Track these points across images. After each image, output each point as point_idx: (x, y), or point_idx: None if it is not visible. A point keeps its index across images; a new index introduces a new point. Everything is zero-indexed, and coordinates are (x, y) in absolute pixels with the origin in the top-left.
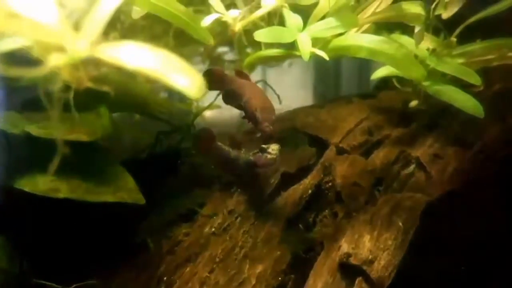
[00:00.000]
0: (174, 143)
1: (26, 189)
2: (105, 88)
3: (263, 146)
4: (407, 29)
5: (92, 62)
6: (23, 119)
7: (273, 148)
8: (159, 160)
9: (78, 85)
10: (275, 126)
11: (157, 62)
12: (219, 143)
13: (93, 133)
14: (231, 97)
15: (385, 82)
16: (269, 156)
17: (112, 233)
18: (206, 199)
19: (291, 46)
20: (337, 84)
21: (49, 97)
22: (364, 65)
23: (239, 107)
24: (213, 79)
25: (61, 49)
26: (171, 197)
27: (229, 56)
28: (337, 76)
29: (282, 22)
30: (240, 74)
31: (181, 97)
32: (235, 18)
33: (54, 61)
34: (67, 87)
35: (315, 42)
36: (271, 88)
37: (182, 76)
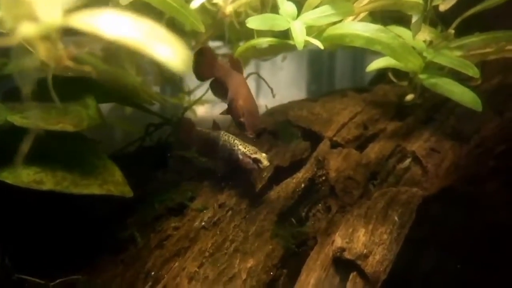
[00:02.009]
0: (164, 136)
1: (9, 181)
2: (87, 68)
3: (257, 157)
4: (402, 23)
5: (73, 42)
6: (6, 109)
7: (265, 164)
8: (149, 153)
9: (57, 63)
10: (259, 127)
11: (139, 31)
12: (199, 128)
13: (80, 123)
14: (218, 88)
15: (380, 78)
16: (255, 167)
17: (99, 227)
18: (196, 192)
19: (285, 36)
20: (331, 83)
21: (26, 81)
22: (359, 63)
23: (222, 99)
24: (204, 60)
25: (33, 18)
26: (161, 191)
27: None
28: (331, 74)
29: (275, 11)
30: (234, 62)
31: (173, 91)
32: (226, 0)
33: (25, 30)
34: (44, 68)
35: (310, 30)
36: (264, 81)
37: (166, 47)
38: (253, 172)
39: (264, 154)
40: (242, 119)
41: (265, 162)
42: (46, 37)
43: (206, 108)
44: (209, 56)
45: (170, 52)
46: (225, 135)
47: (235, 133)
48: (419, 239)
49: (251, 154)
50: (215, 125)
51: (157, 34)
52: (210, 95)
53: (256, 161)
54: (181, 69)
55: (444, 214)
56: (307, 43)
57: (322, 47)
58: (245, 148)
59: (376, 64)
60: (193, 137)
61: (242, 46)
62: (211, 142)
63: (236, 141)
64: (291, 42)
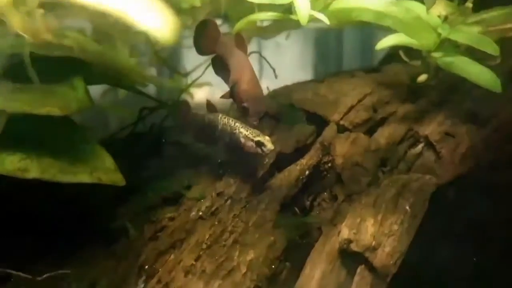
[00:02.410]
0: (159, 121)
1: None
2: (68, 43)
3: (260, 140)
4: None
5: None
6: None
7: (269, 148)
8: (142, 139)
9: (34, 37)
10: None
11: None
12: (196, 112)
13: (67, 107)
14: (220, 67)
15: (391, 57)
16: (259, 151)
17: (89, 217)
18: (193, 181)
19: (288, 12)
20: (339, 63)
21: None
22: (368, 42)
23: (224, 80)
24: (207, 34)
25: None
26: (155, 179)
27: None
28: (339, 54)
29: None
30: (239, 40)
31: (171, 73)
32: None
33: None
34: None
35: (315, 5)
36: (266, 61)
37: (153, 16)
38: (256, 156)
39: (267, 137)
40: (245, 104)
41: (269, 145)
42: (20, 3)
43: (205, 92)
44: (212, 30)
45: (156, 20)
46: (224, 117)
47: (235, 117)
48: (432, 230)
49: (254, 137)
50: (210, 107)
51: (144, 1)
52: (209, 77)
53: (260, 144)
54: (169, 39)
55: (459, 203)
56: (311, 18)
57: (328, 22)
58: (247, 131)
59: (386, 42)
60: (190, 121)
61: (242, 21)
62: (209, 126)
63: (237, 123)
64: (294, 17)
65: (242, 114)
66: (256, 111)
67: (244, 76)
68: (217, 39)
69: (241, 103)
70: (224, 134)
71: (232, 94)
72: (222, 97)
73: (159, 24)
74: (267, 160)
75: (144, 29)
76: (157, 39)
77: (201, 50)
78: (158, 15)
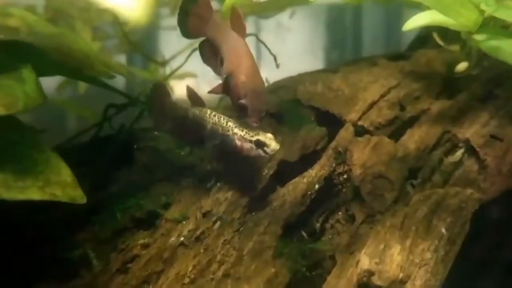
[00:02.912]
0: (129, 121)
1: None
2: (12, 23)
3: (260, 139)
4: None
5: None
6: None
7: (273, 148)
8: (108, 144)
9: None
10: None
11: None
12: (175, 101)
13: (13, 104)
14: (209, 54)
15: (423, 40)
16: (261, 153)
17: (40, 245)
18: (173, 197)
19: None
20: (357, 49)
21: None
22: (394, 22)
23: (215, 70)
24: (195, 11)
25: None
26: (124, 195)
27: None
28: (357, 37)
29: None
30: (236, 18)
31: (144, 62)
32: None
33: None
34: None
35: None
36: (265, 46)
37: None
38: (257, 161)
39: (269, 135)
40: (243, 101)
41: (273, 145)
42: None
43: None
44: (203, 6)
45: None
46: (214, 115)
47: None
48: (474, 258)
49: (252, 136)
50: (194, 98)
51: None
52: (194, 66)
53: (260, 144)
54: (140, 18)
55: (508, 223)
56: None
57: None
58: (242, 131)
59: (416, 21)
60: (167, 111)
61: None
62: (194, 124)
63: (229, 123)
64: None
65: (239, 113)
66: (257, 109)
67: (242, 66)
68: (208, 20)
69: (237, 99)
70: (213, 135)
71: (225, 88)
72: (211, 91)
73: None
74: (267, 171)
75: (109, 5)
76: (126, 18)
77: (187, 32)
78: None
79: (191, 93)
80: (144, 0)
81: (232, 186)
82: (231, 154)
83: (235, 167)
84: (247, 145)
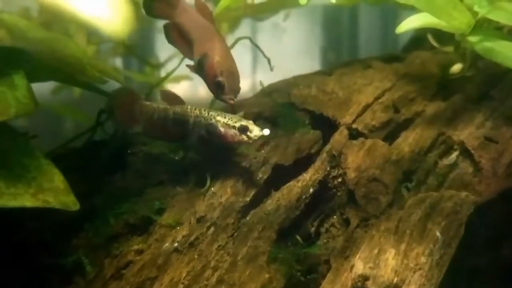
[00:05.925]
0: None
1: None
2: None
3: (243, 124)
4: None
5: None
6: None
7: (256, 134)
8: (102, 149)
9: None
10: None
11: None
12: (146, 102)
13: (4, 111)
14: (176, 37)
15: (418, 42)
16: (244, 138)
17: (33, 251)
18: (167, 202)
19: None
20: (353, 50)
21: None
22: (389, 24)
23: (182, 51)
24: None
25: None
26: (118, 201)
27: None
28: (353, 39)
29: None
30: (201, 7)
31: (141, 66)
32: None
33: None
34: None
35: None
36: (258, 48)
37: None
38: (241, 145)
39: (251, 121)
40: (220, 79)
41: (256, 130)
42: None
43: (185, 88)
44: None
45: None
46: (195, 109)
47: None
48: (469, 262)
49: (235, 122)
50: (170, 98)
51: None
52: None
53: (243, 129)
54: (121, 31)
55: (504, 227)
56: None
57: None
58: (225, 118)
59: (409, 24)
60: (136, 115)
61: None
62: (176, 123)
63: (211, 112)
64: None
65: (215, 92)
66: (233, 86)
67: (215, 48)
68: (176, 4)
69: (214, 78)
70: (198, 127)
71: (199, 68)
72: (188, 66)
73: (107, 12)
74: (260, 176)
75: (87, 20)
76: (106, 31)
77: (150, 11)
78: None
79: (167, 95)
80: (124, 14)
81: (226, 191)
82: (216, 142)
83: (229, 166)
84: (231, 131)
